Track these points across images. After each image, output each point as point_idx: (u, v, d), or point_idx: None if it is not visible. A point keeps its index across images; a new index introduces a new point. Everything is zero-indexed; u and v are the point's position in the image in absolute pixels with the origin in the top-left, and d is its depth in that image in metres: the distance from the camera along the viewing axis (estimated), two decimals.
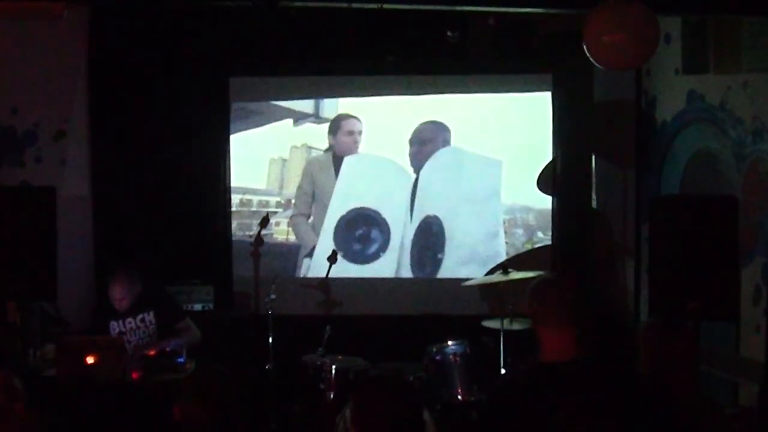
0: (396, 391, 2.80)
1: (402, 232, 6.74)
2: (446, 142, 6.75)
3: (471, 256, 6.69)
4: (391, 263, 6.75)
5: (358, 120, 6.79)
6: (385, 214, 6.75)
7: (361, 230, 6.77)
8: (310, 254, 6.79)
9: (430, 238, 6.73)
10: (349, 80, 6.84)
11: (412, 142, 6.75)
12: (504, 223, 6.74)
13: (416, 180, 6.74)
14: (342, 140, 6.80)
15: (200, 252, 6.60)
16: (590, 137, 6.52)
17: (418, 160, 6.75)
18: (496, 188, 6.72)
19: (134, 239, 6.45)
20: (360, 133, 6.79)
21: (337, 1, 5.13)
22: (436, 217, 6.71)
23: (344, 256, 6.63)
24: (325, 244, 6.66)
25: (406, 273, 6.76)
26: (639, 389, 2.73)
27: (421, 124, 6.75)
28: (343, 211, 6.77)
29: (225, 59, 6.63)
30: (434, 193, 6.74)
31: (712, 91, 5.50)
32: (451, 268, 6.69)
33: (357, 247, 6.74)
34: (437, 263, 6.73)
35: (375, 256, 6.75)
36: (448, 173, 6.74)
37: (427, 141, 6.75)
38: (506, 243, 6.71)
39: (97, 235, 6.58)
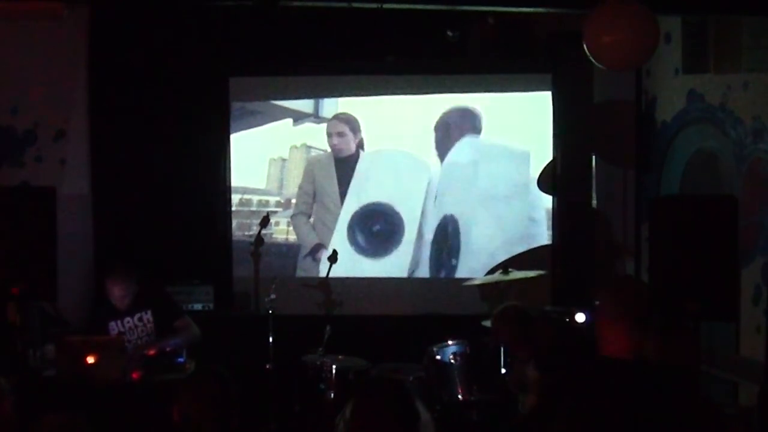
0: (388, 395, 2.84)
1: (417, 227, 6.72)
2: (476, 130, 6.72)
3: (492, 252, 6.65)
4: (405, 259, 6.73)
5: (343, 121, 6.78)
6: (400, 209, 6.75)
7: (376, 226, 6.76)
8: (311, 253, 6.79)
9: (447, 237, 6.72)
10: (349, 80, 6.84)
11: (437, 128, 6.73)
12: (546, 215, 6.66)
13: (439, 172, 6.71)
14: (332, 142, 6.81)
15: (200, 252, 6.60)
16: (590, 137, 6.52)
17: (443, 147, 6.71)
18: (524, 182, 6.69)
19: (134, 239, 6.45)
20: (342, 134, 6.78)
21: (337, 1, 5.13)
22: (452, 216, 6.70)
23: (357, 251, 6.66)
24: (340, 240, 6.66)
25: (423, 269, 6.74)
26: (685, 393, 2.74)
27: (448, 109, 6.72)
28: (357, 207, 6.77)
29: (225, 59, 6.64)
30: (454, 190, 6.72)
31: (712, 91, 5.50)
32: (471, 265, 6.66)
33: (371, 241, 6.73)
34: (458, 261, 6.71)
35: (387, 251, 6.75)
36: (469, 168, 6.71)
37: (454, 127, 6.72)
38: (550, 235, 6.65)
39: (97, 235, 6.58)
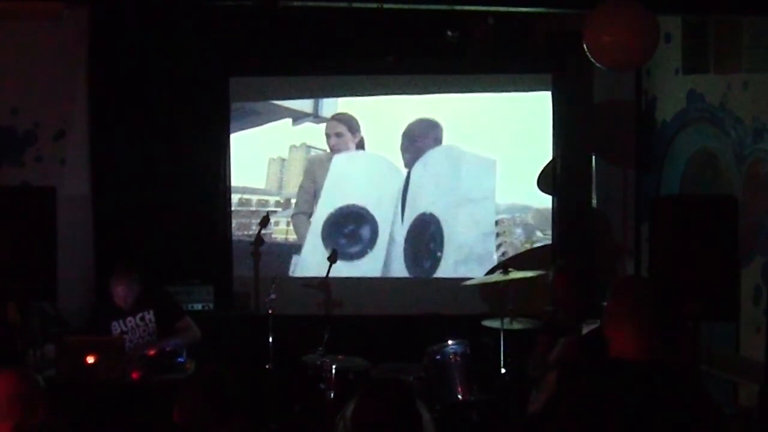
0: (390, 395, 2.84)
1: (390, 229, 6.73)
2: (438, 140, 6.74)
3: (468, 254, 6.68)
4: (378, 261, 6.74)
5: (341, 122, 6.79)
6: (374, 212, 6.75)
7: (349, 227, 6.76)
8: (313, 252, 6.77)
9: (426, 236, 6.73)
10: (349, 80, 6.84)
11: (403, 137, 6.75)
12: (497, 224, 6.72)
13: (407, 177, 6.73)
14: (330, 143, 6.81)
15: (200, 252, 6.60)
16: (590, 137, 6.52)
17: (409, 155, 6.74)
18: (491, 188, 6.71)
19: (134, 239, 6.45)
20: (340, 135, 6.78)
21: (337, 1, 5.13)
22: (432, 215, 6.71)
23: (356, 249, 6.70)
24: (314, 242, 6.67)
25: (397, 271, 6.75)
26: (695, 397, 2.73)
27: (414, 120, 6.74)
28: (332, 209, 6.77)
29: (225, 59, 6.63)
30: (428, 191, 6.74)
31: (712, 91, 5.50)
32: (449, 266, 6.68)
33: (343, 243, 6.72)
34: (436, 261, 6.73)
35: (362, 254, 6.75)
36: (441, 171, 6.73)
37: (418, 137, 6.74)
38: (504, 242, 6.71)
39: (97, 235, 6.58)
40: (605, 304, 2.88)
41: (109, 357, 4.79)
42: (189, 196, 6.64)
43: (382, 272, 6.76)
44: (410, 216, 6.73)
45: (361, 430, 2.84)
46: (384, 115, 6.80)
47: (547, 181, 6.62)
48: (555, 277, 4.85)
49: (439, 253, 6.72)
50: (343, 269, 6.56)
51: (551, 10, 5.29)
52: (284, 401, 5.47)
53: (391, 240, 6.73)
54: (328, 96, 6.83)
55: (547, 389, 4.47)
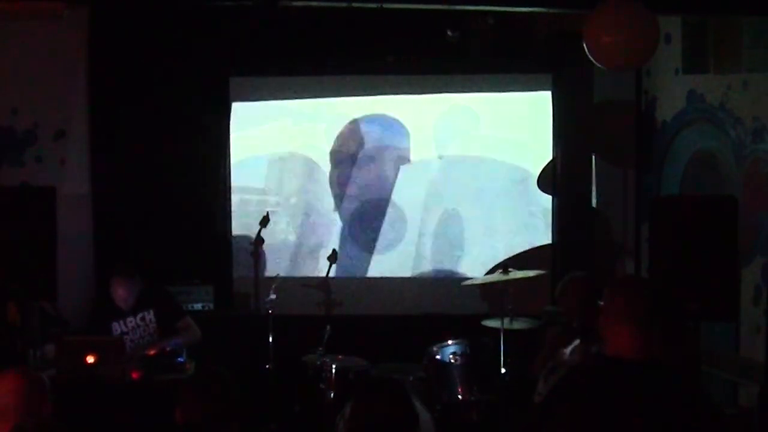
0: (386, 395, 2.85)
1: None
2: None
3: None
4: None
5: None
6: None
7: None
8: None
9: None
10: (349, 80, 6.84)
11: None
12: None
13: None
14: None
15: (200, 252, 6.60)
16: (590, 137, 6.53)
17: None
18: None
19: (134, 239, 6.45)
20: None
21: (337, 1, 5.14)
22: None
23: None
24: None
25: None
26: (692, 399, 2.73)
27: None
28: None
29: (225, 59, 6.63)
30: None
31: (712, 91, 5.51)
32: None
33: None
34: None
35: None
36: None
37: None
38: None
39: (97, 235, 6.58)
40: (601, 303, 2.88)
41: (109, 357, 4.79)
42: (189, 196, 6.64)
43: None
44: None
45: (357, 430, 2.85)
46: (384, 114, 6.79)
47: (547, 181, 6.62)
48: (569, 287, 4.78)
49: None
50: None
51: (551, 10, 5.30)
52: (284, 401, 5.47)
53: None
54: (328, 96, 6.83)
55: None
